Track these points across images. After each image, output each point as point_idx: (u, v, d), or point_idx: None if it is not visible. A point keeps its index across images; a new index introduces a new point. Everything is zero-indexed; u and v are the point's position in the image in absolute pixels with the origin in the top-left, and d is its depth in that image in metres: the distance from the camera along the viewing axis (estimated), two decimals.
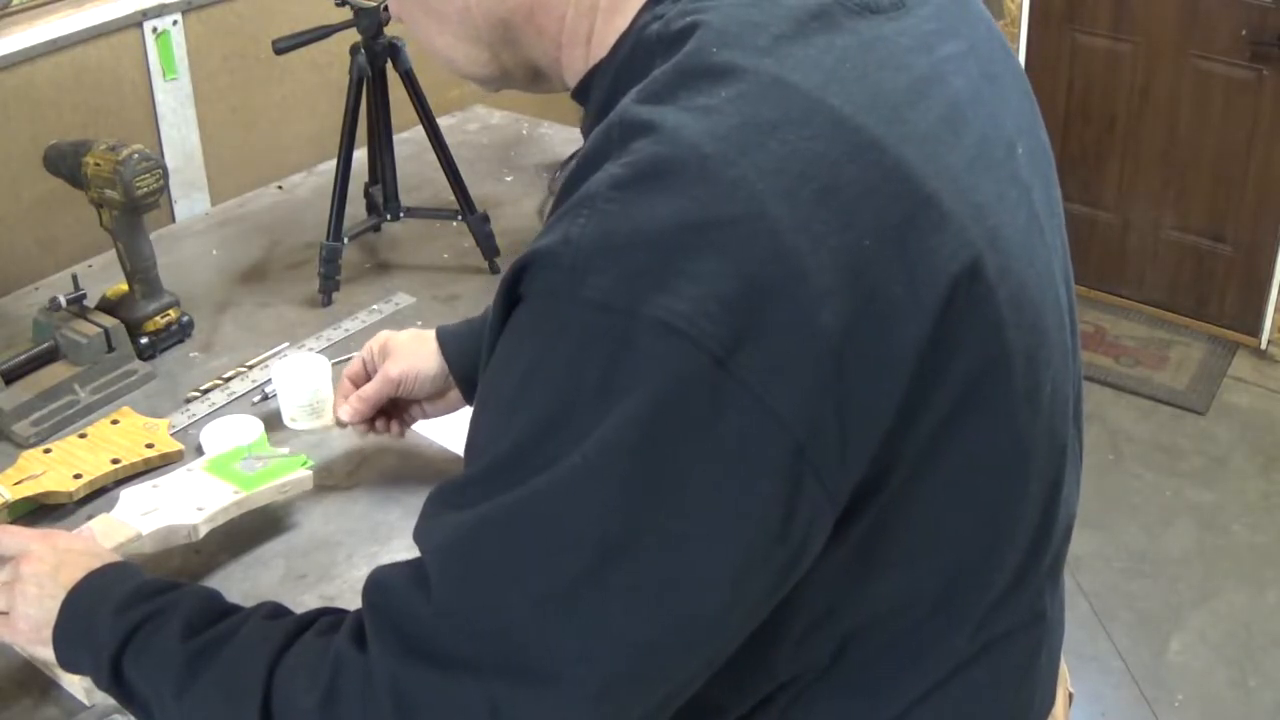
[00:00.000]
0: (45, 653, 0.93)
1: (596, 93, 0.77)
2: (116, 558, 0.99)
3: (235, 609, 0.86)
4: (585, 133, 0.78)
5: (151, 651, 0.84)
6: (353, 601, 1.17)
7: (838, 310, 0.63)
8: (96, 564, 0.95)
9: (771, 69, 0.67)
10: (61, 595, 0.92)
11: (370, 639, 0.72)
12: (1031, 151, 0.80)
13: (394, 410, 1.27)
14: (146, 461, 1.32)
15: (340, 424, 1.26)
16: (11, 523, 1.23)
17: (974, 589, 0.77)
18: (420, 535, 0.72)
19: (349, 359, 1.52)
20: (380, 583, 0.73)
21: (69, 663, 0.91)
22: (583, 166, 0.67)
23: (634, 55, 0.73)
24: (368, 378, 1.26)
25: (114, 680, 0.85)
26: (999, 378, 0.71)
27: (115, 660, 0.85)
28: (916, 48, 0.73)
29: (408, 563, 0.72)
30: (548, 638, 0.65)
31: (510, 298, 0.67)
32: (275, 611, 0.84)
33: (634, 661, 0.65)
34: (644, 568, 0.64)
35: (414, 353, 1.23)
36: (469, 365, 1.22)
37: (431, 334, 1.25)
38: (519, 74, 0.82)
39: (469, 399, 1.24)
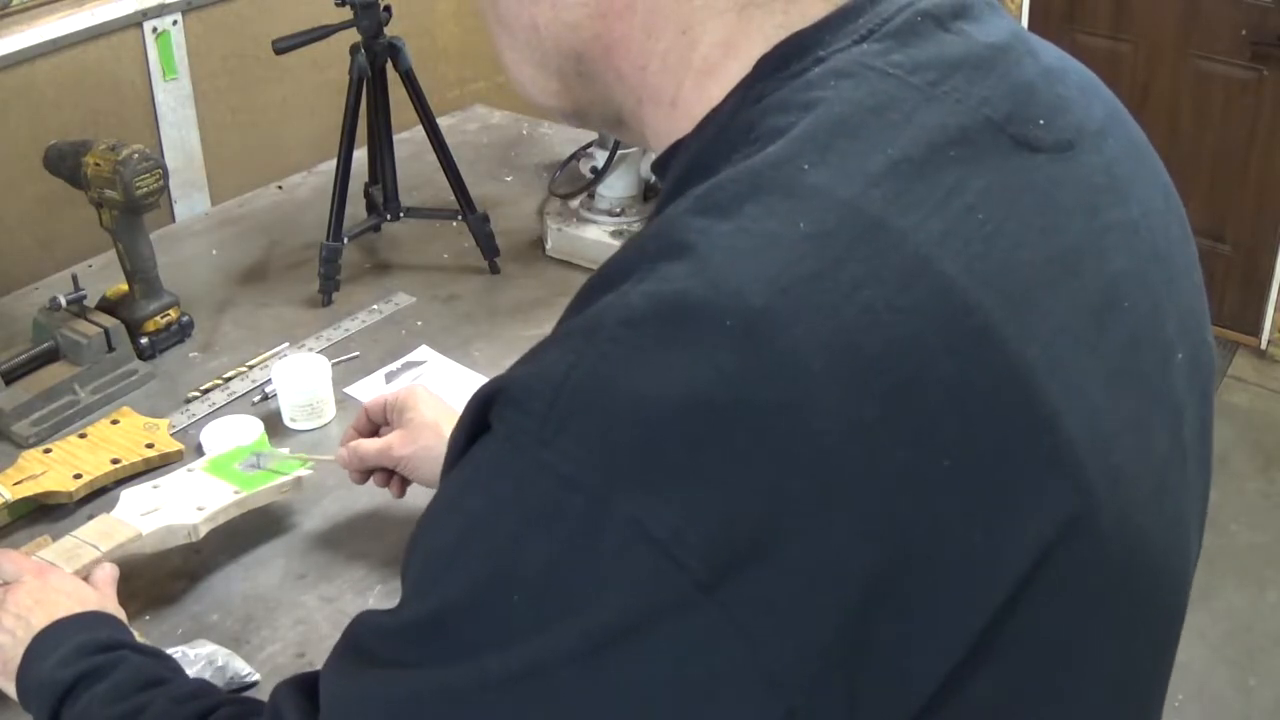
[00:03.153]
0: (8, 685, 0.92)
1: (668, 179, 0.60)
2: (103, 604, 0.98)
3: (164, 680, 0.85)
4: None
5: (79, 709, 0.84)
6: (352, 602, 1.18)
7: (882, 553, 0.47)
8: (75, 609, 0.94)
9: (875, 206, 0.50)
10: (33, 634, 0.92)
11: None
12: (1193, 360, 0.63)
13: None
14: (146, 461, 1.32)
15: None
16: (11, 523, 1.24)
17: None
18: (326, 670, 0.60)
19: (349, 359, 1.52)
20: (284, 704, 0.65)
21: (25, 700, 0.91)
22: (603, 277, 0.52)
23: (718, 142, 0.57)
24: (384, 420, 1.21)
25: None
26: (1086, 653, 0.56)
27: (55, 711, 0.86)
28: (1076, 207, 0.56)
29: (313, 700, 0.62)
30: None
31: (477, 423, 0.53)
32: (195, 693, 0.82)
33: None
34: None
35: (428, 438, 1.15)
36: None
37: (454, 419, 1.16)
38: (596, 115, 0.66)
39: None
